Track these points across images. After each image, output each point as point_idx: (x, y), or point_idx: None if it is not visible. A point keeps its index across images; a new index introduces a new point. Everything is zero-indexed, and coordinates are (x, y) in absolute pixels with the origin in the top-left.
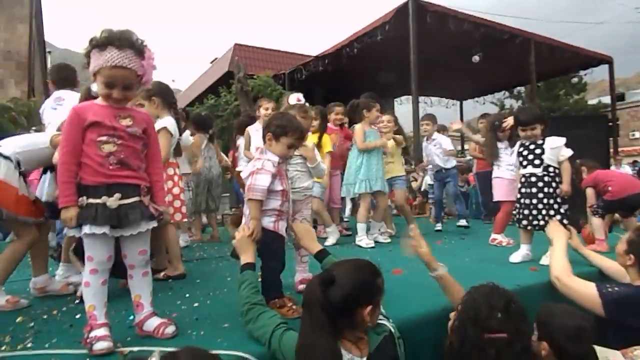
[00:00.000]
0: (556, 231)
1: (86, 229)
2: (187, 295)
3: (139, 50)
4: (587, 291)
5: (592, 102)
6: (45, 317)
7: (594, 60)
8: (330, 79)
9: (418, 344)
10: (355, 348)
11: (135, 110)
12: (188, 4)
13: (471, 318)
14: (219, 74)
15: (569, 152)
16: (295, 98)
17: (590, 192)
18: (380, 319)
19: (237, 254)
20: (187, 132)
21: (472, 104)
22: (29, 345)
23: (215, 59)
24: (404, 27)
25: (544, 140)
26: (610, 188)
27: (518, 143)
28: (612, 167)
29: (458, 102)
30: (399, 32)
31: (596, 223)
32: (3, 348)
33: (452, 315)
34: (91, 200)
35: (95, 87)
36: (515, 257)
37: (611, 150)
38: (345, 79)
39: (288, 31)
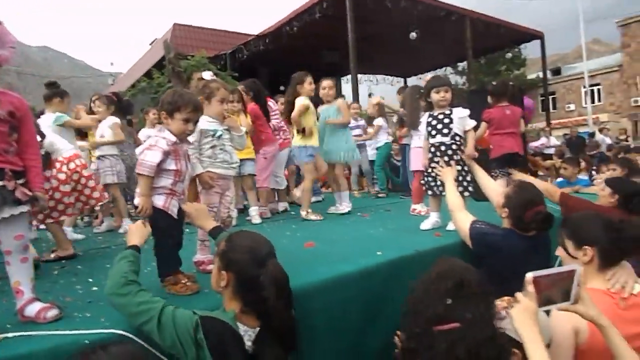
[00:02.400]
0: (445, 172)
1: None
2: (90, 279)
3: None
4: (464, 224)
5: (532, 76)
6: None
7: (526, 35)
8: (273, 58)
9: (310, 310)
10: (248, 320)
11: (5, 94)
12: None
13: (414, 310)
14: (158, 56)
15: (473, 123)
16: (209, 74)
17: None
18: None
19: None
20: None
21: (416, 80)
22: None
23: (155, 39)
24: (342, 5)
25: (451, 110)
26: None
27: (426, 114)
28: (542, 139)
29: (402, 80)
30: (337, 10)
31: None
32: None
33: None
34: None
35: None
36: (425, 225)
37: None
38: (289, 58)
39: (232, 9)
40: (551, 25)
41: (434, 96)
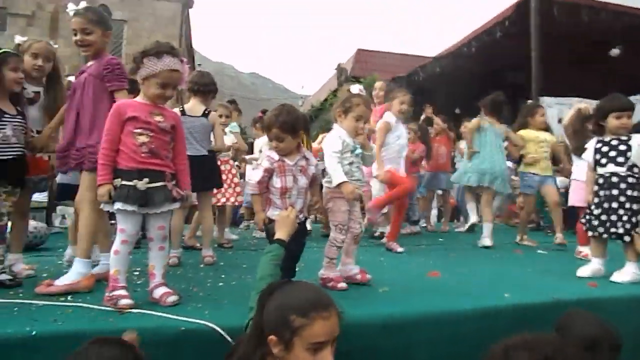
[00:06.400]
0: None
1: (119, 205)
2: (223, 276)
3: (181, 58)
4: None
5: None
6: None
7: None
8: (450, 80)
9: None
10: None
11: (166, 109)
12: (319, 13)
13: None
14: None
15: None
16: (358, 88)
17: None
18: None
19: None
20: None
21: None
22: (69, 297)
23: (339, 64)
24: (526, 22)
25: (628, 136)
26: None
27: (594, 139)
28: None
29: None
30: (520, 28)
31: None
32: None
33: None
34: (124, 182)
35: None
36: (584, 271)
37: None
38: (467, 80)
39: (414, 33)
40: None
41: (613, 122)
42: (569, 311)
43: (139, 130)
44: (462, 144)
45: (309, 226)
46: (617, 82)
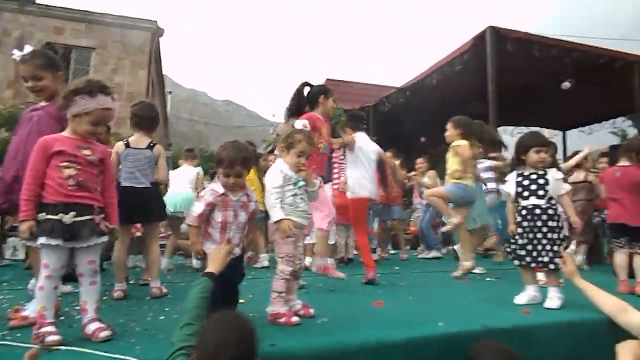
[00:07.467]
0: (569, 270)
1: (42, 240)
2: (167, 309)
3: (113, 96)
4: None
5: None
6: None
7: None
8: (415, 109)
9: None
10: None
11: (94, 143)
12: (293, 42)
13: None
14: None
15: (567, 187)
16: (302, 124)
17: None
18: None
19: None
20: None
21: (578, 133)
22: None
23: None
24: (483, 56)
25: (545, 171)
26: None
27: (514, 173)
28: None
29: (561, 132)
30: (478, 62)
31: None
32: None
33: None
34: (49, 216)
35: None
36: (520, 299)
37: None
38: (432, 110)
39: (385, 64)
40: None
41: (534, 156)
42: (479, 342)
43: (65, 164)
44: (424, 179)
45: (266, 262)
46: (569, 113)
